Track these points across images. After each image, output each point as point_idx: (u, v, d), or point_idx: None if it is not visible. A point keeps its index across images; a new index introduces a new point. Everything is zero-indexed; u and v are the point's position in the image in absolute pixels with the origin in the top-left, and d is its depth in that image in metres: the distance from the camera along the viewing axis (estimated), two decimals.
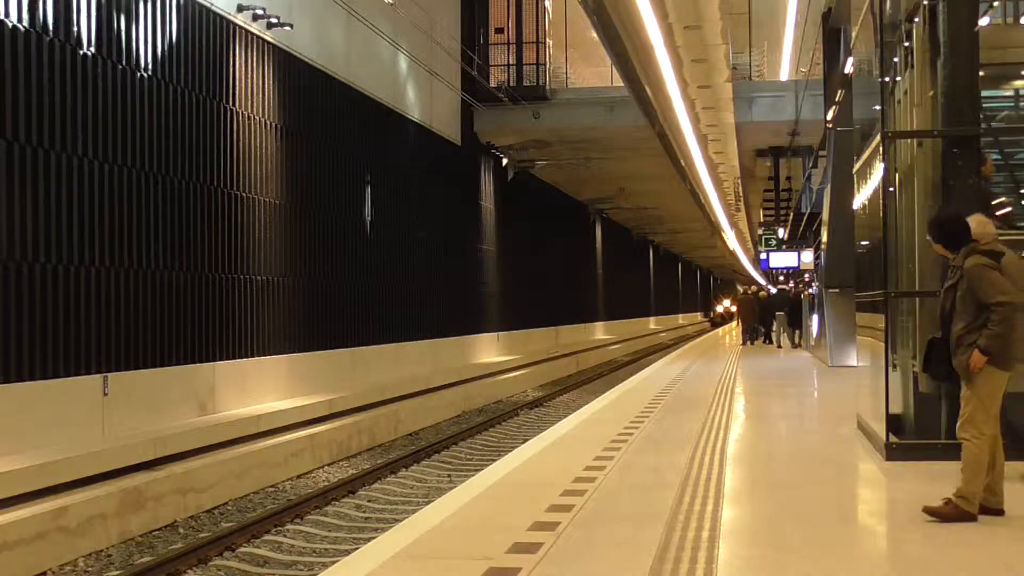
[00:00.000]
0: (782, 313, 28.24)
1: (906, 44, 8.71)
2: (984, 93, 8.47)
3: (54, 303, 10.70)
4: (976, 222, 6.35)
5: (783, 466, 8.35)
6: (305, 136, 16.42)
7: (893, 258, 8.52)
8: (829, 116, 18.91)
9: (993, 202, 9.22)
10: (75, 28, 11.09)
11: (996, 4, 9.57)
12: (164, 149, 12.59)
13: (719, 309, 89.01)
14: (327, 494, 11.93)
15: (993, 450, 6.03)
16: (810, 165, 27.02)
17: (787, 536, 5.93)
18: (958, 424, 6.10)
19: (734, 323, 49.03)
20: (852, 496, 7.29)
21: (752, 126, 24.53)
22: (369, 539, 7.98)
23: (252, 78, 14.78)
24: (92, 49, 11.33)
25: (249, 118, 14.66)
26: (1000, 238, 6.44)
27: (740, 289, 76.53)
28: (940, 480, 7.46)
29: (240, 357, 14.22)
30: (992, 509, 6.05)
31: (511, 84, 25.43)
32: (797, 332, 27.44)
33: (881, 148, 8.44)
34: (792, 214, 32.51)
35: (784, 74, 29.48)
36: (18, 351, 10.20)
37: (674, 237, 56.99)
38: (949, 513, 5.99)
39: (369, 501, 11.99)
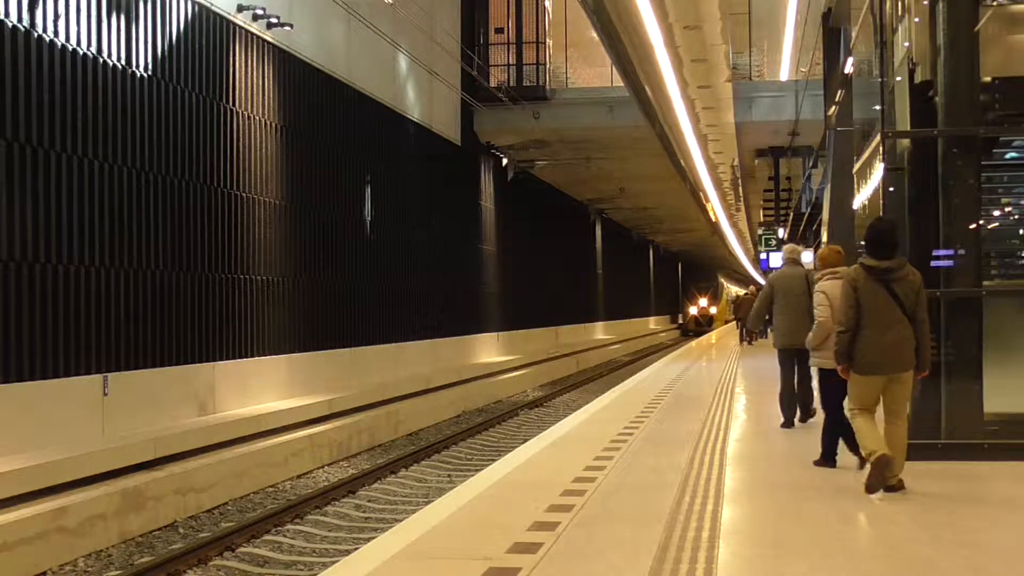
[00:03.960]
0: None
1: (906, 44, 8.71)
2: None
3: (54, 303, 10.69)
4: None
5: (783, 466, 8.34)
6: (305, 136, 16.42)
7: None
8: (829, 116, 18.91)
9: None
10: (75, 28, 11.09)
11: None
12: (164, 149, 12.59)
13: (693, 311, 65.90)
14: (327, 494, 11.93)
15: (871, 421, 6.87)
16: (810, 165, 27.02)
17: (787, 536, 5.93)
18: None
19: (714, 334, 41.57)
20: (852, 496, 7.27)
21: (752, 126, 24.53)
22: (369, 539, 7.98)
23: (252, 78, 14.78)
24: (92, 49, 11.33)
25: (249, 118, 14.66)
26: None
27: (725, 284, 68.85)
28: (940, 480, 7.46)
29: (240, 357, 14.22)
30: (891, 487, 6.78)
31: (511, 84, 25.42)
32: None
33: (881, 148, 8.44)
34: (792, 214, 32.51)
35: (784, 74, 29.45)
36: (18, 351, 10.20)
37: (674, 237, 56.95)
38: (874, 476, 6.68)
39: (369, 501, 11.99)
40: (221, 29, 13.98)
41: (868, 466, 6.77)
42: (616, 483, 7.41)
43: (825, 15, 18.83)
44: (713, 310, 65.06)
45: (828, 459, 7.87)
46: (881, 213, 8.59)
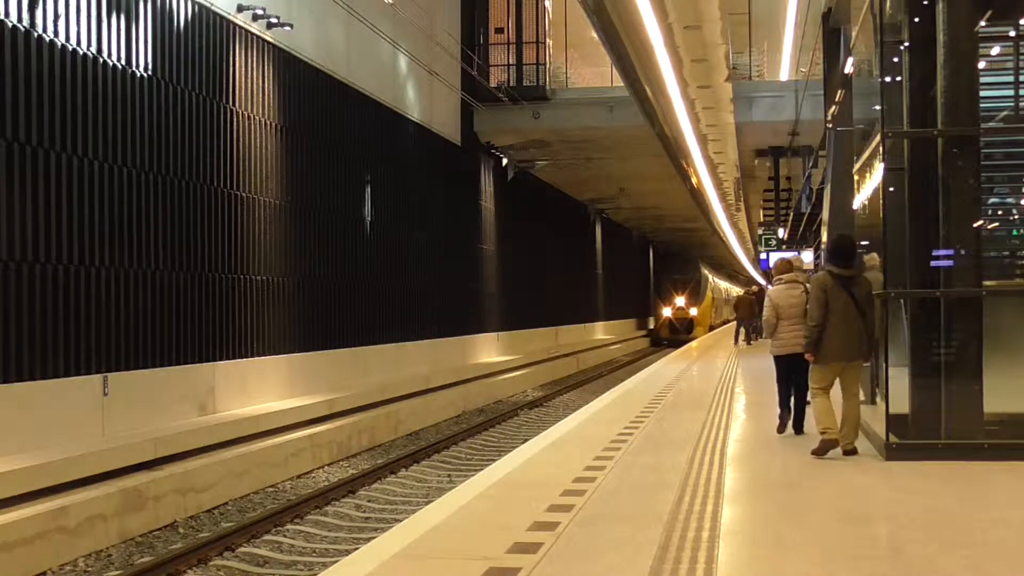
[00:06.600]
0: None
1: (906, 44, 8.70)
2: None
3: (54, 303, 10.69)
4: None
5: (783, 466, 8.35)
6: (305, 136, 16.42)
7: (892, 258, 8.53)
8: (829, 116, 18.90)
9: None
10: (75, 28, 11.09)
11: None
12: (164, 149, 12.58)
13: (667, 313, 51.38)
14: (327, 494, 11.93)
15: (828, 403, 8.30)
16: (810, 165, 27.01)
17: (787, 536, 5.93)
18: None
19: (695, 343, 35.51)
20: (852, 496, 7.28)
21: (752, 126, 24.51)
22: (369, 539, 7.98)
23: (252, 78, 14.78)
24: (92, 49, 11.33)
25: (249, 118, 14.65)
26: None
27: (710, 278, 61.29)
28: (940, 479, 7.48)
29: (240, 357, 14.22)
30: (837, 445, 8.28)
31: (511, 84, 25.41)
32: None
33: (881, 148, 8.44)
34: (792, 214, 32.49)
35: (784, 74, 29.43)
36: (18, 351, 10.20)
37: (674, 236, 56.79)
38: (821, 447, 8.23)
39: (369, 501, 11.99)
40: (221, 29, 13.98)
41: (820, 440, 8.36)
42: (616, 483, 7.41)
43: (825, 15, 18.80)
44: (693, 311, 50.96)
45: (782, 426, 9.67)
46: (881, 213, 8.59)
